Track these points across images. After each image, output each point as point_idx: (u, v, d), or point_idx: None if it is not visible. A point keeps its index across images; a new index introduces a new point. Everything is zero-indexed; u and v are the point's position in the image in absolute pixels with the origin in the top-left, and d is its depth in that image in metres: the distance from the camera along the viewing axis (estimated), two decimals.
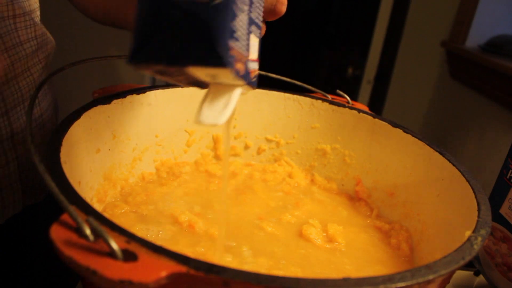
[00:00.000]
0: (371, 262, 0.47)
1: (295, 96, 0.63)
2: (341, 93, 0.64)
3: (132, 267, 0.25)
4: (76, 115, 0.43)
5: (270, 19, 0.39)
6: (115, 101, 0.49)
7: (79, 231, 0.26)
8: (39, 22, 0.54)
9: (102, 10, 0.56)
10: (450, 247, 0.34)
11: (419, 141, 0.53)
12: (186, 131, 0.61)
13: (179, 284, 0.26)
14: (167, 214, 0.49)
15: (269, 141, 0.65)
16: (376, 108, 1.95)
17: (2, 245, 0.56)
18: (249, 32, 0.32)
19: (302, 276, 0.29)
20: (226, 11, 0.28)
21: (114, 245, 0.25)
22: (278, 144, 0.65)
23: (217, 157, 0.63)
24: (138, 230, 0.45)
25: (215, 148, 0.63)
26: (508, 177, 0.50)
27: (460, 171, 0.46)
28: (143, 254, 0.26)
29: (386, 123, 0.57)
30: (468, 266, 0.55)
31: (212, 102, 0.33)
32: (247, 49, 0.31)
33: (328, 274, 0.44)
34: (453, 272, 0.32)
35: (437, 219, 0.48)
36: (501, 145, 1.36)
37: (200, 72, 0.29)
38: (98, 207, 0.47)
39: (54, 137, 0.38)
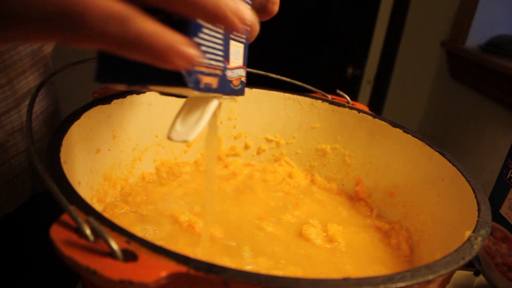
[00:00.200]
0: (371, 262, 0.47)
1: (295, 96, 0.63)
2: (341, 93, 0.64)
3: (132, 267, 0.25)
4: (76, 115, 0.43)
5: (262, 19, 0.38)
6: (115, 101, 0.49)
7: (79, 231, 0.26)
8: None
9: None
10: (450, 247, 0.34)
11: (419, 141, 0.53)
12: None
13: (179, 284, 0.26)
14: (167, 214, 0.49)
15: (269, 141, 0.65)
16: (376, 108, 1.94)
17: (2, 244, 0.56)
18: (227, 40, 0.31)
19: (302, 276, 0.29)
20: (185, 27, 0.26)
21: (114, 245, 0.25)
22: (278, 144, 0.65)
23: (217, 157, 0.63)
24: (138, 230, 0.45)
25: None
26: (508, 177, 0.50)
27: (460, 171, 0.46)
28: (143, 254, 0.26)
29: (386, 123, 0.57)
30: (468, 266, 0.55)
31: (185, 117, 0.33)
32: (223, 59, 0.31)
33: (328, 274, 0.44)
34: (453, 272, 0.32)
35: (437, 219, 0.48)
36: (501, 145, 1.36)
37: (166, 89, 0.29)
38: (98, 207, 0.47)
39: (54, 137, 0.38)
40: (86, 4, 0.20)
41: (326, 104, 0.62)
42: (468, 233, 0.36)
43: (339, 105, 0.61)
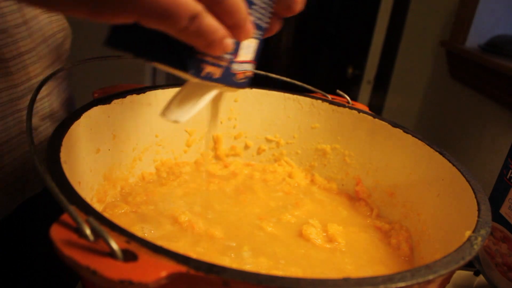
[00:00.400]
0: (371, 262, 0.47)
1: (295, 96, 0.63)
2: (341, 93, 0.64)
3: (132, 267, 0.25)
4: (76, 115, 0.43)
5: (285, 16, 0.38)
6: (115, 101, 0.49)
7: (79, 231, 0.26)
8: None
9: None
10: (450, 247, 0.34)
11: (419, 141, 0.53)
12: (186, 131, 0.61)
13: (179, 284, 0.26)
14: (167, 214, 0.49)
15: (269, 141, 0.65)
16: (376, 108, 1.95)
17: (2, 244, 0.56)
18: None
19: (302, 276, 0.29)
20: None
21: (114, 245, 0.25)
22: (278, 144, 0.65)
23: (217, 157, 0.63)
24: (138, 230, 0.45)
25: (215, 148, 0.63)
26: (508, 177, 0.50)
27: (460, 171, 0.46)
28: (143, 254, 0.26)
29: (386, 123, 0.57)
30: (468, 266, 0.55)
31: (183, 99, 0.34)
32: (232, 52, 0.32)
33: (328, 274, 0.44)
34: (453, 272, 0.32)
35: (437, 219, 0.48)
36: (501, 145, 1.36)
37: (168, 69, 0.30)
38: (98, 207, 0.47)
39: (54, 137, 0.38)
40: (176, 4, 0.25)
41: (326, 104, 0.62)
42: (468, 233, 0.36)
43: (339, 105, 0.61)
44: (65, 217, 0.27)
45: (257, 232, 0.49)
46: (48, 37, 0.54)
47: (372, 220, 0.56)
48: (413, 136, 0.54)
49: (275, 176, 0.61)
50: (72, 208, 0.27)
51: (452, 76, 1.66)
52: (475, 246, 0.33)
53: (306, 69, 2.33)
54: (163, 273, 0.24)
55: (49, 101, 0.56)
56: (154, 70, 2.03)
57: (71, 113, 0.44)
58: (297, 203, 0.56)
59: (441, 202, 0.48)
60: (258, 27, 0.34)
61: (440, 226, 0.47)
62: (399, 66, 1.90)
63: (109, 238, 0.25)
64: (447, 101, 1.70)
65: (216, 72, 0.31)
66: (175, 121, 0.33)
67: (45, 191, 0.60)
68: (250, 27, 0.30)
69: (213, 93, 0.35)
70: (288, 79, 0.63)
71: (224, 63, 0.32)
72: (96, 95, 0.50)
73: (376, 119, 0.58)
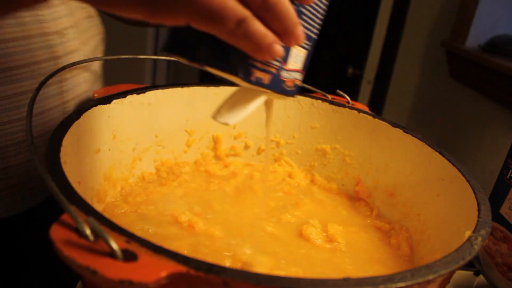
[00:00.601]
0: (371, 262, 0.47)
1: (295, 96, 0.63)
2: (341, 93, 0.64)
3: (132, 267, 0.25)
4: (76, 115, 0.43)
5: None
6: (115, 101, 0.49)
7: (79, 231, 0.26)
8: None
9: None
10: (450, 247, 0.34)
11: (419, 141, 0.53)
12: (186, 131, 0.61)
13: (179, 284, 0.26)
14: (167, 214, 0.49)
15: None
16: (376, 108, 1.94)
17: (2, 244, 0.56)
18: None
19: (302, 276, 0.29)
20: None
21: (114, 245, 0.25)
22: (278, 144, 0.65)
23: (217, 157, 0.63)
24: (138, 230, 0.45)
25: (215, 148, 0.63)
26: (508, 177, 0.50)
27: (460, 171, 0.46)
28: (143, 254, 0.26)
29: (386, 123, 0.57)
30: (468, 266, 0.55)
31: (233, 103, 0.36)
32: (282, 59, 0.33)
33: (328, 274, 0.44)
34: (453, 272, 0.32)
35: (437, 219, 0.48)
36: (501, 145, 1.36)
37: (220, 74, 0.31)
38: (98, 207, 0.47)
39: (54, 137, 0.38)
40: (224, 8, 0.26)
41: (326, 104, 0.62)
42: (468, 233, 0.36)
43: (339, 105, 0.61)
44: (65, 217, 0.27)
45: (257, 232, 0.49)
46: (87, 39, 0.57)
47: (372, 220, 0.56)
48: (413, 136, 0.54)
49: (275, 176, 0.61)
50: (72, 208, 0.27)
51: (452, 76, 1.66)
52: (475, 246, 0.33)
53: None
54: (163, 273, 0.24)
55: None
56: (154, 70, 2.03)
57: (71, 113, 0.44)
58: (297, 203, 0.56)
59: (441, 202, 0.48)
60: (307, 37, 0.35)
61: (440, 226, 0.47)
62: (399, 66, 1.90)
63: (109, 238, 0.25)
64: (447, 101, 1.70)
65: (265, 77, 0.32)
66: (225, 123, 0.35)
67: (45, 190, 0.60)
68: (300, 33, 0.30)
69: (261, 99, 0.37)
70: None
71: (273, 70, 0.33)
72: (96, 95, 0.51)
73: (376, 119, 0.58)
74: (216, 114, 0.35)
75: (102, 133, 0.48)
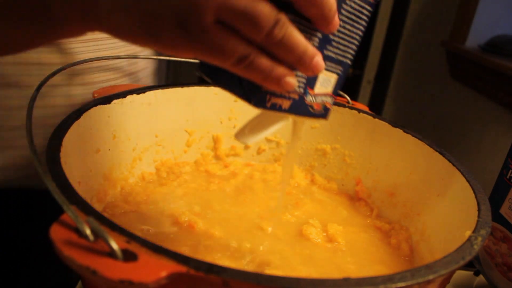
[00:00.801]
0: (371, 262, 0.47)
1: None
2: (341, 93, 0.64)
3: (132, 267, 0.25)
4: (76, 115, 0.43)
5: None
6: (115, 101, 0.49)
7: (79, 231, 0.26)
8: None
9: None
10: (450, 247, 0.34)
11: (419, 141, 0.53)
12: (186, 131, 0.61)
13: (179, 284, 0.26)
14: (167, 214, 0.49)
15: (269, 141, 0.65)
16: (376, 108, 1.94)
17: (2, 244, 0.56)
18: None
19: (302, 276, 0.29)
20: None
21: (114, 245, 0.25)
22: (278, 144, 0.65)
23: (217, 157, 0.63)
24: (138, 230, 0.45)
25: (215, 148, 0.63)
26: (508, 177, 0.50)
27: (460, 171, 0.46)
28: (143, 254, 0.26)
29: (386, 123, 0.57)
30: (468, 266, 0.55)
31: (256, 124, 0.38)
32: (305, 86, 0.33)
33: (329, 274, 0.44)
34: (453, 272, 0.32)
35: (437, 219, 0.48)
36: (501, 145, 1.36)
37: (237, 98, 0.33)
38: (98, 207, 0.47)
39: (54, 137, 0.38)
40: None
41: None
42: (468, 233, 0.36)
43: (339, 105, 0.61)
44: (65, 217, 0.27)
45: (257, 232, 0.49)
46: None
47: (372, 220, 0.56)
48: (413, 136, 0.54)
49: (275, 176, 0.61)
50: (72, 208, 0.27)
51: (452, 76, 1.66)
52: (475, 246, 0.33)
53: None
54: (163, 273, 0.24)
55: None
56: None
57: (71, 113, 0.44)
58: (297, 203, 0.56)
59: (441, 202, 0.48)
60: (337, 62, 0.35)
61: (440, 226, 0.47)
62: (399, 66, 1.90)
63: (109, 238, 0.25)
64: (447, 101, 1.70)
65: (284, 103, 0.33)
66: (244, 143, 0.38)
67: (45, 191, 0.60)
68: (316, 63, 0.30)
69: (281, 123, 0.39)
70: None
71: (294, 96, 0.33)
72: (96, 95, 0.50)
73: (376, 119, 0.58)
74: (238, 134, 0.38)
75: (102, 133, 0.48)
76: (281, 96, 0.32)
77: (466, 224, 0.39)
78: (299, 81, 0.33)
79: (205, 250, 0.43)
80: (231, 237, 0.46)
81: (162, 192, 0.54)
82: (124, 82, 0.60)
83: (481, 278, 0.57)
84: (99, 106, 0.47)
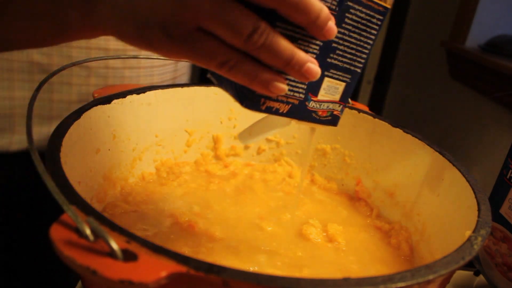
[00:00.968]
0: (371, 261, 0.47)
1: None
2: None
3: (132, 267, 0.25)
4: (76, 115, 0.43)
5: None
6: (115, 101, 0.49)
7: (79, 231, 0.26)
8: None
9: None
10: (450, 247, 0.34)
11: (419, 141, 0.53)
12: (186, 131, 0.61)
13: (179, 284, 0.26)
14: (167, 214, 0.49)
15: (269, 141, 0.65)
16: (376, 108, 1.94)
17: (2, 244, 0.56)
18: (322, 77, 0.34)
19: (301, 276, 0.29)
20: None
21: (114, 245, 0.25)
22: (278, 144, 0.65)
23: (217, 157, 0.63)
24: (138, 230, 0.45)
25: (215, 148, 0.63)
26: (508, 177, 0.50)
27: (460, 171, 0.46)
28: (143, 254, 0.26)
29: (386, 123, 0.57)
30: (468, 266, 0.55)
31: (256, 126, 0.39)
32: (306, 92, 0.34)
33: (329, 273, 0.44)
34: (453, 272, 0.32)
35: (437, 219, 0.48)
36: (501, 145, 1.36)
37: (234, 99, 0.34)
38: (98, 207, 0.47)
39: (54, 137, 0.38)
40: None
41: None
42: (468, 233, 0.36)
43: None
44: (65, 217, 0.27)
45: (257, 232, 0.49)
46: None
47: (372, 220, 0.56)
48: (413, 136, 0.54)
49: (275, 176, 0.61)
50: (72, 208, 0.27)
51: (452, 76, 1.65)
52: (475, 246, 0.33)
53: None
54: (163, 273, 0.24)
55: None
56: None
57: (71, 113, 0.44)
58: (297, 203, 0.56)
59: (441, 202, 0.48)
60: (344, 70, 0.35)
61: (440, 226, 0.47)
62: (399, 66, 1.90)
63: (109, 238, 0.25)
64: (447, 101, 1.70)
65: (282, 107, 0.33)
66: (242, 143, 0.41)
67: (45, 191, 0.60)
68: (308, 69, 0.30)
69: (280, 126, 0.40)
70: None
71: (293, 100, 0.34)
72: (96, 95, 0.50)
73: (376, 119, 0.58)
74: (240, 134, 0.40)
75: (102, 133, 0.48)
76: (278, 100, 0.33)
77: (466, 224, 0.39)
78: (297, 87, 0.33)
79: (205, 250, 0.43)
80: (231, 237, 0.46)
81: (162, 192, 0.54)
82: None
83: (481, 278, 0.57)
84: (99, 106, 0.47)
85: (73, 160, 0.40)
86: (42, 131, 0.57)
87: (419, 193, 0.53)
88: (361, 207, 0.58)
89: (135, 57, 0.61)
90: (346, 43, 0.34)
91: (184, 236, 0.45)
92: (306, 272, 0.43)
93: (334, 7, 0.31)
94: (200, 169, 0.61)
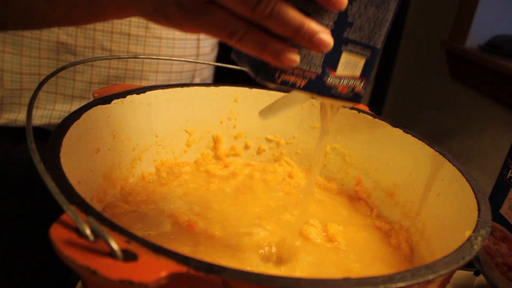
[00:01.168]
0: (371, 261, 0.47)
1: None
2: None
3: (132, 267, 0.25)
4: (76, 115, 0.43)
5: None
6: (115, 101, 0.49)
7: (79, 231, 0.26)
8: None
9: None
10: (450, 247, 0.34)
11: (419, 141, 0.53)
12: (186, 131, 0.61)
13: (179, 284, 0.26)
14: (167, 214, 0.49)
15: (269, 141, 0.65)
16: (376, 108, 1.94)
17: (2, 244, 0.56)
18: (337, 52, 0.34)
19: (301, 276, 0.29)
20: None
21: (114, 245, 0.25)
22: (278, 144, 0.65)
23: (217, 157, 0.63)
24: (138, 230, 0.45)
25: (215, 148, 0.63)
26: (508, 177, 0.50)
27: (460, 171, 0.46)
28: (143, 254, 0.26)
29: (386, 123, 0.57)
30: (468, 266, 0.55)
31: (276, 103, 0.40)
32: (324, 66, 0.34)
33: (329, 273, 0.43)
34: (453, 272, 0.32)
35: (437, 219, 0.48)
36: (501, 145, 1.35)
37: (250, 74, 0.35)
38: (98, 207, 0.47)
39: (54, 137, 0.38)
40: None
41: None
42: (468, 233, 0.36)
43: None
44: (65, 217, 0.27)
45: (257, 232, 0.48)
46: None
47: (372, 220, 0.56)
48: (413, 136, 0.54)
49: (275, 176, 0.61)
50: (72, 208, 0.27)
51: (452, 76, 1.65)
52: (475, 246, 0.33)
53: None
54: (163, 273, 0.24)
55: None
56: None
57: (71, 113, 0.44)
58: (297, 203, 0.56)
59: (441, 202, 0.48)
60: (362, 45, 0.35)
61: (440, 226, 0.47)
62: (399, 66, 1.90)
63: (109, 238, 0.25)
64: (447, 101, 1.70)
65: (299, 81, 0.34)
66: (262, 118, 0.39)
67: (45, 191, 0.60)
68: (319, 39, 0.30)
69: (298, 101, 0.40)
70: None
71: (309, 74, 0.34)
72: (96, 95, 0.50)
73: (376, 119, 0.58)
74: (261, 111, 0.40)
75: (102, 133, 0.48)
76: (293, 73, 0.33)
77: (466, 224, 0.39)
78: (313, 61, 0.33)
79: (205, 250, 0.43)
80: (231, 237, 0.46)
81: (162, 192, 0.54)
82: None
83: (481, 278, 0.57)
84: (99, 106, 0.47)
85: (73, 160, 0.40)
86: (64, 108, 0.63)
87: (419, 193, 0.53)
88: (361, 207, 0.58)
89: (135, 57, 0.61)
90: (362, 18, 0.34)
91: (184, 236, 0.45)
92: (306, 272, 0.43)
93: None
94: (200, 169, 0.61)
